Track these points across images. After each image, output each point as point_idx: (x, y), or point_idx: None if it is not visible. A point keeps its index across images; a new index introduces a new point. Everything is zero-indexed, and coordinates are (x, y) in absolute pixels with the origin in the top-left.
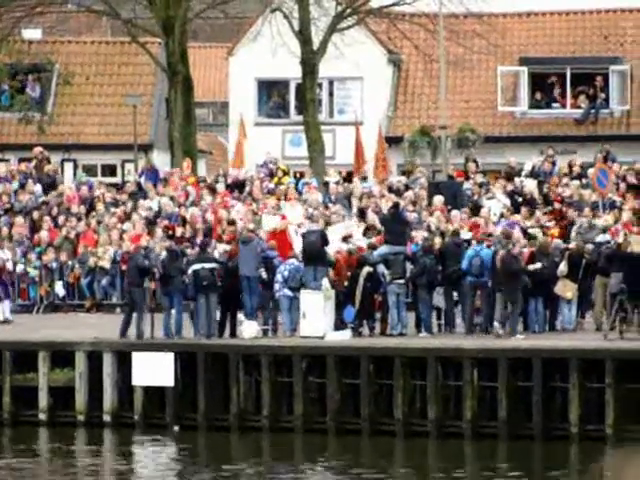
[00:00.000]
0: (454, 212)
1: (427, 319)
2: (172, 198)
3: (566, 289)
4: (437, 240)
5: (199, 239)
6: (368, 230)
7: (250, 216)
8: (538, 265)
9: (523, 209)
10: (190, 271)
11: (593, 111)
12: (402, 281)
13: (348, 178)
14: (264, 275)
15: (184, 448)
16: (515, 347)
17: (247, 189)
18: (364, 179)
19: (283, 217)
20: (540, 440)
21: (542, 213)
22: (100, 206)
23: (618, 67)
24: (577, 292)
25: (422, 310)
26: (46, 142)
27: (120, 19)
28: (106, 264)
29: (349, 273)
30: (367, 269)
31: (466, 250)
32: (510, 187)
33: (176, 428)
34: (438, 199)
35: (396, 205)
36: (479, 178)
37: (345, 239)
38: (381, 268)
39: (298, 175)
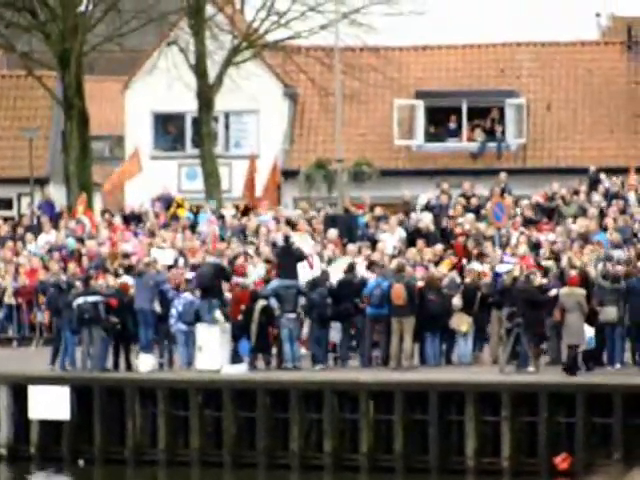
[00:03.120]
0: (350, 246)
1: (318, 353)
2: (69, 232)
3: (461, 322)
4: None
5: (91, 272)
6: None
7: (146, 249)
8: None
9: (419, 242)
10: (74, 305)
11: (490, 145)
12: (293, 315)
13: (244, 211)
14: (158, 309)
15: None
16: (411, 380)
17: (144, 222)
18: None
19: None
20: (436, 473)
21: (443, 249)
22: None
23: (514, 100)
24: (473, 325)
25: (312, 344)
26: None
27: (16, 52)
28: (10, 299)
29: (243, 307)
30: (262, 302)
31: (362, 284)
32: (406, 221)
33: (81, 462)
34: (332, 232)
35: (287, 238)
36: (377, 211)
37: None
38: (273, 302)
39: (195, 209)
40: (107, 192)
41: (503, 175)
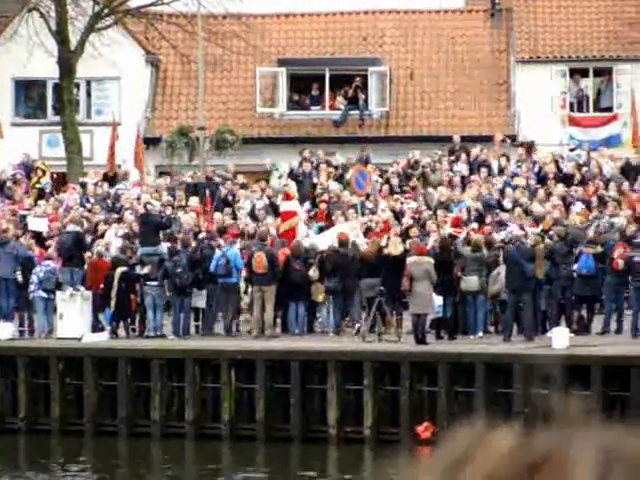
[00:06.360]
0: (216, 214)
1: (178, 322)
2: None
3: (318, 293)
4: (193, 242)
5: None
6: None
7: (8, 216)
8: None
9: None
10: None
11: (352, 113)
12: (155, 283)
13: (107, 179)
14: (19, 278)
15: None
16: (273, 349)
17: (6, 189)
18: (122, 179)
19: (53, 219)
20: (298, 442)
21: (309, 216)
22: None
23: (377, 68)
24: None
25: (174, 312)
26: None
27: None
28: None
29: (104, 274)
30: (121, 269)
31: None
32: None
33: None
34: (194, 200)
35: (146, 206)
36: (240, 179)
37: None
38: (138, 269)
39: (55, 176)
40: None
41: (365, 145)
